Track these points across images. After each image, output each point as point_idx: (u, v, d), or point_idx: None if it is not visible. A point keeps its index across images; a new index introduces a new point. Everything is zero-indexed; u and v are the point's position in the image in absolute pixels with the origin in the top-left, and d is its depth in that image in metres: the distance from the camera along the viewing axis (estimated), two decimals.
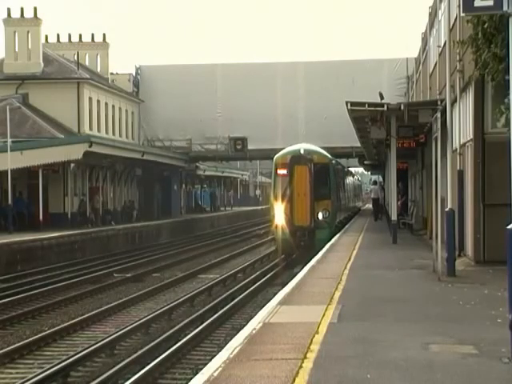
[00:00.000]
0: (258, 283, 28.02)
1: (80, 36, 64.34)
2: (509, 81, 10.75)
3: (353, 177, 70.83)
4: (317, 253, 25.79)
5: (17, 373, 15.79)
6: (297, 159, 34.66)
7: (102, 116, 57.52)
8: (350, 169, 67.96)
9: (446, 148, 20.66)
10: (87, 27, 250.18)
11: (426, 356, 9.87)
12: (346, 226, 42.84)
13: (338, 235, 34.75)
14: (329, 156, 37.29)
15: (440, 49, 28.58)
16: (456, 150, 23.61)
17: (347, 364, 9.42)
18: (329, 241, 31.05)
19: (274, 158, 36.03)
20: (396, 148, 29.22)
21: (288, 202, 34.19)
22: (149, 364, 15.06)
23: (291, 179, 34.33)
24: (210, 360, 10.31)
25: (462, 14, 13.89)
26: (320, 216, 34.77)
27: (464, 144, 23.18)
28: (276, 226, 34.62)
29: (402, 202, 40.36)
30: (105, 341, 17.50)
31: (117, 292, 28.12)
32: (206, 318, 20.50)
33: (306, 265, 22.47)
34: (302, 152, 34.97)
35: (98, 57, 64.21)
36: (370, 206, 73.79)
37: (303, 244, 33.99)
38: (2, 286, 29.23)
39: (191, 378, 9.52)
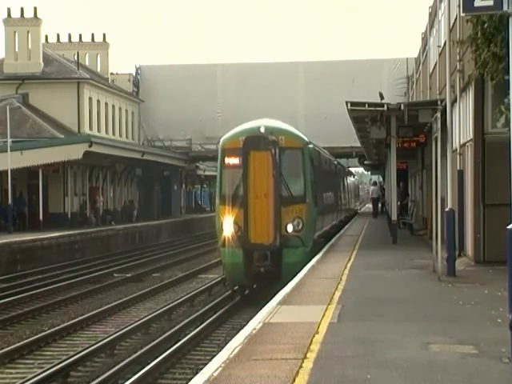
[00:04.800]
0: None
1: (80, 36, 64.50)
2: (509, 80, 10.75)
3: (347, 172, 57.45)
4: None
5: (17, 373, 15.80)
6: (254, 142, 23.56)
7: (102, 116, 57.54)
8: (341, 163, 53.36)
9: (446, 148, 20.66)
10: (87, 27, 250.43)
11: (426, 356, 9.86)
12: (346, 227, 42.67)
13: (333, 239, 31.77)
14: (304, 138, 25.14)
15: (440, 49, 28.58)
16: (456, 149, 23.61)
17: (347, 364, 9.42)
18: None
19: (221, 141, 25.09)
20: (396, 148, 29.20)
21: (241, 208, 23.25)
22: (149, 364, 15.08)
23: (246, 172, 23.37)
24: (210, 360, 10.31)
25: (461, 14, 13.90)
26: (289, 228, 23.37)
27: (464, 144, 23.18)
28: (223, 244, 23.48)
29: (401, 203, 40.34)
30: (105, 341, 17.51)
31: (117, 292, 28.12)
32: (205, 318, 20.51)
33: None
34: (262, 131, 23.64)
35: (98, 57, 64.26)
36: (369, 205, 77.05)
37: (264, 271, 23.17)
38: (2, 285, 29.24)
39: (191, 378, 9.52)
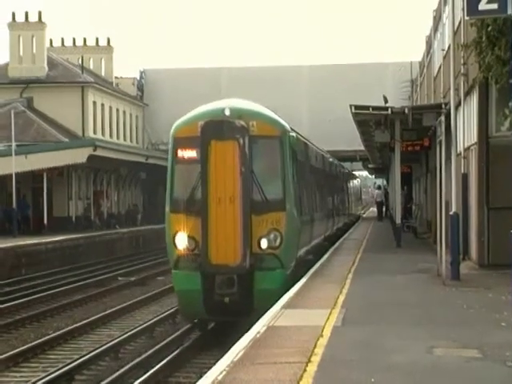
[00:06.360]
0: None
1: (84, 40, 64.57)
2: None
3: (347, 172, 50.40)
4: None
5: (21, 376, 15.83)
6: (217, 128, 17.68)
7: (106, 120, 57.62)
8: (339, 161, 45.01)
9: (450, 151, 20.67)
10: (92, 31, 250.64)
11: (431, 360, 9.85)
12: (350, 230, 42.48)
13: (337, 243, 32.08)
14: (283, 123, 18.70)
15: (444, 52, 28.59)
16: (460, 153, 23.59)
17: (351, 368, 9.41)
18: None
19: (173, 127, 19.00)
20: (400, 151, 29.19)
21: (198, 217, 17.47)
22: (153, 367, 15.08)
23: (205, 169, 17.56)
24: (215, 363, 10.31)
25: (466, 18, 13.93)
26: (263, 244, 17.52)
27: (468, 147, 23.16)
28: (175, 266, 18.12)
29: (405, 206, 40.36)
30: (109, 344, 17.53)
31: (121, 295, 28.13)
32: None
33: None
34: (227, 114, 17.75)
35: (103, 61, 64.36)
36: (373, 209, 79.34)
37: (229, 302, 17.36)
38: (6, 289, 29.27)
39: (195, 382, 9.52)
